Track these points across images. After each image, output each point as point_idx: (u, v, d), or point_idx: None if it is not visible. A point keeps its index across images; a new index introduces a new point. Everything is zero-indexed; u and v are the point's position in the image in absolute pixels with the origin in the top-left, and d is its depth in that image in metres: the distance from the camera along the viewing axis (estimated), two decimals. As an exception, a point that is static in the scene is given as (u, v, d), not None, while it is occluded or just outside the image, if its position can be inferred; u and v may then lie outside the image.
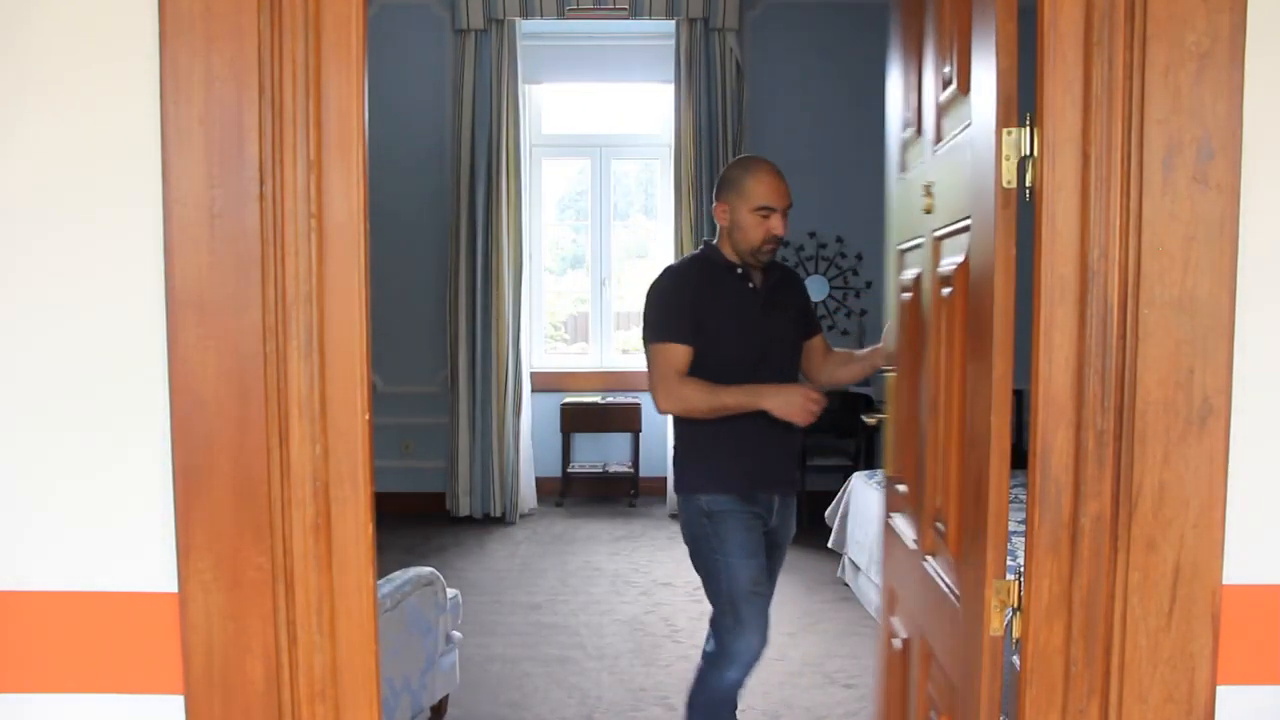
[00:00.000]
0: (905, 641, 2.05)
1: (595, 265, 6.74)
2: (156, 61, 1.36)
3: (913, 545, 1.95)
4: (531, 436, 6.37)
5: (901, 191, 2.18)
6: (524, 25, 6.06)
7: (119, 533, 1.42)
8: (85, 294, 1.39)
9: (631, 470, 6.43)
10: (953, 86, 1.68)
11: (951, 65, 1.68)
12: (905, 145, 2.13)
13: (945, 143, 1.76)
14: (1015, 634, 1.46)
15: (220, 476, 1.39)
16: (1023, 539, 1.43)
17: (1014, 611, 1.45)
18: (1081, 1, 1.30)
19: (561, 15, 5.95)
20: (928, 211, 1.86)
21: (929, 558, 1.84)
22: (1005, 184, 1.40)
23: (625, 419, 6.37)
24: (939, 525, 1.76)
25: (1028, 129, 1.39)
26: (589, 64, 6.41)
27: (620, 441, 6.52)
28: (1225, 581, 1.35)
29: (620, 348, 6.85)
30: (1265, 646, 1.38)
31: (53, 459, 1.41)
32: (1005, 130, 1.39)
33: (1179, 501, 1.33)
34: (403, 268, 6.18)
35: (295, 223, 1.38)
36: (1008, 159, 1.39)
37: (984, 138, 1.46)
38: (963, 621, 1.56)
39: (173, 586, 1.42)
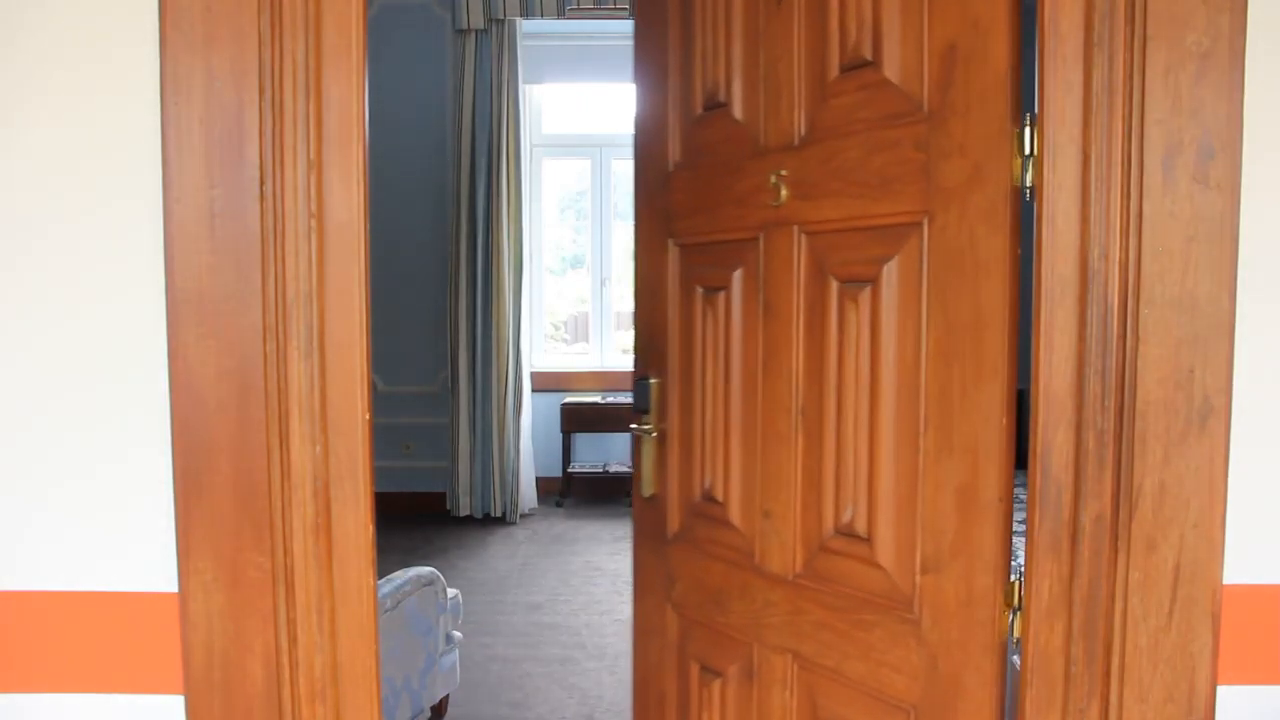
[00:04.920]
0: (726, 675, 1.87)
1: (595, 265, 6.74)
2: (156, 61, 1.36)
3: (774, 570, 1.75)
4: (532, 436, 6.37)
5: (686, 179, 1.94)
6: (524, 25, 6.06)
7: (119, 532, 1.42)
8: (85, 293, 1.39)
9: (632, 470, 6.43)
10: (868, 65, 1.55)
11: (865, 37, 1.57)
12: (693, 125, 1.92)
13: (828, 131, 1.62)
14: (1015, 634, 1.45)
15: (220, 476, 1.39)
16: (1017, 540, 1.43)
17: (1015, 612, 1.45)
18: (1081, 1, 1.30)
19: (561, 15, 5.95)
20: (776, 202, 1.70)
21: (810, 582, 1.69)
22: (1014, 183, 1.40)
23: (626, 419, 6.36)
24: (850, 538, 1.63)
25: (1028, 129, 1.39)
26: (589, 64, 6.41)
27: (621, 441, 6.52)
28: (1225, 581, 1.35)
29: (620, 347, 6.85)
30: (1265, 646, 1.38)
31: (53, 459, 1.42)
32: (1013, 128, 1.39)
33: (1179, 501, 1.33)
34: (403, 268, 6.18)
35: (295, 223, 1.38)
36: (1017, 158, 1.39)
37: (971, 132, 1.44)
38: (928, 633, 1.52)
39: (173, 586, 1.42)
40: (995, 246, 1.42)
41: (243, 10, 1.34)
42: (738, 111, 1.82)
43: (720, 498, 1.88)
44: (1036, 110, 1.35)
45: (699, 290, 1.93)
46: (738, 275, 1.83)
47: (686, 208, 1.96)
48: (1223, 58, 1.29)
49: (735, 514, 1.85)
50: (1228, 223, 1.30)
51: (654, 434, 2.02)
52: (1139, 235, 1.31)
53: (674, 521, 2.01)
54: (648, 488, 2.06)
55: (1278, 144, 1.32)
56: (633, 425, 2.08)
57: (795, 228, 1.70)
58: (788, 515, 1.73)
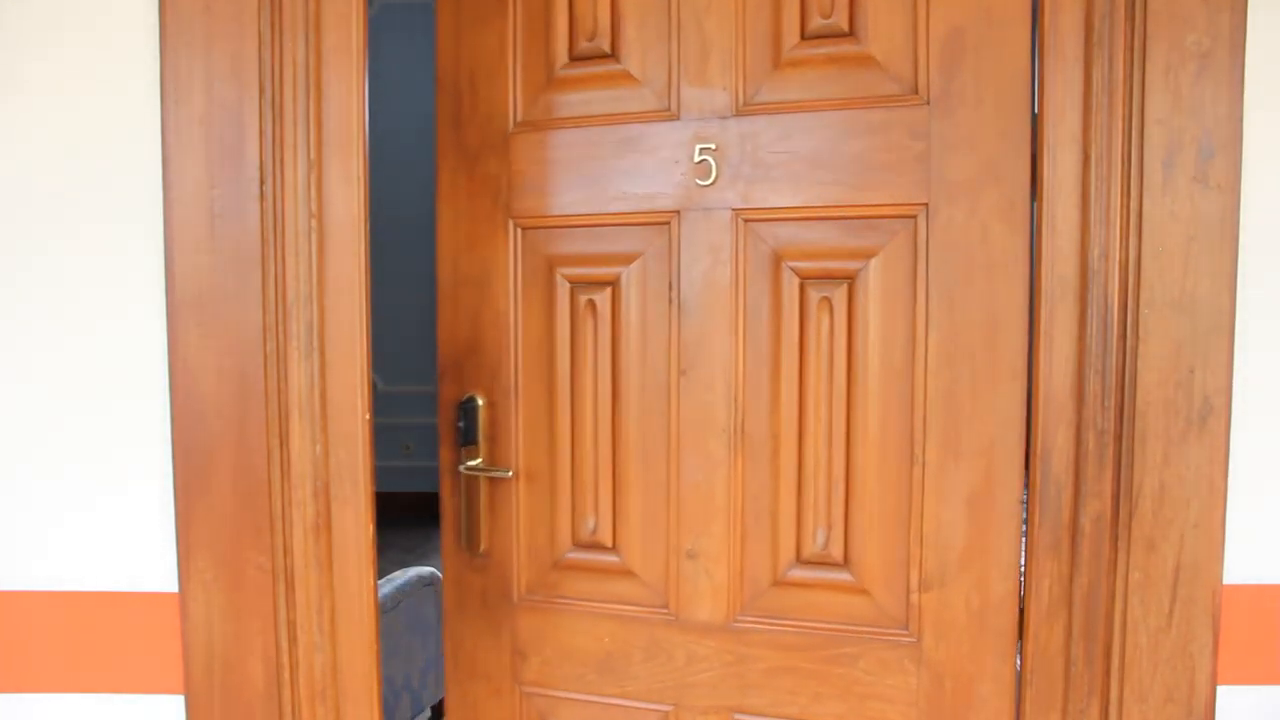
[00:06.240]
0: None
1: (595, 265, 6.74)
2: (157, 61, 1.36)
3: (703, 619, 1.58)
4: (532, 436, 6.37)
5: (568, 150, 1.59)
6: (524, 25, 6.06)
7: (120, 533, 1.42)
8: (86, 294, 1.39)
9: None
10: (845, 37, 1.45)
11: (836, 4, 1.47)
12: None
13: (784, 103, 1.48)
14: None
15: (221, 476, 1.39)
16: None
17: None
18: (1081, 1, 1.30)
19: (562, 15, 5.95)
20: (705, 179, 1.51)
21: (760, 623, 1.56)
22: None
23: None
24: (821, 566, 1.54)
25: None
26: (589, 64, 6.41)
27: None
28: (1225, 581, 1.35)
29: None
30: (1265, 646, 1.38)
31: (53, 459, 1.41)
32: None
33: (1179, 501, 1.33)
34: (403, 268, 6.18)
35: (295, 223, 1.38)
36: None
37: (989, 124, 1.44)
38: (930, 652, 1.49)
39: (173, 586, 1.42)
40: (1013, 244, 1.41)
41: (243, 10, 1.34)
42: (633, 66, 1.55)
43: (609, 542, 1.63)
44: (1036, 109, 1.35)
45: (566, 286, 1.62)
46: (635, 268, 1.58)
47: (543, 182, 1.60)
48: (1223, 58, 1.28)
49: (635, 560, 1.61)
50: (1228, 223, 1.30)
51: (508, 473, 1.65)
52: (1139, 235, 1.31)
53: (523, 581, 1.68)
54: (478, 542, 1.69)
55: (1278, 144, 1.32)
56: (469, 464, 1.67)
57: (731, 213, 1.51)
58: (722, 553, 1.56)
